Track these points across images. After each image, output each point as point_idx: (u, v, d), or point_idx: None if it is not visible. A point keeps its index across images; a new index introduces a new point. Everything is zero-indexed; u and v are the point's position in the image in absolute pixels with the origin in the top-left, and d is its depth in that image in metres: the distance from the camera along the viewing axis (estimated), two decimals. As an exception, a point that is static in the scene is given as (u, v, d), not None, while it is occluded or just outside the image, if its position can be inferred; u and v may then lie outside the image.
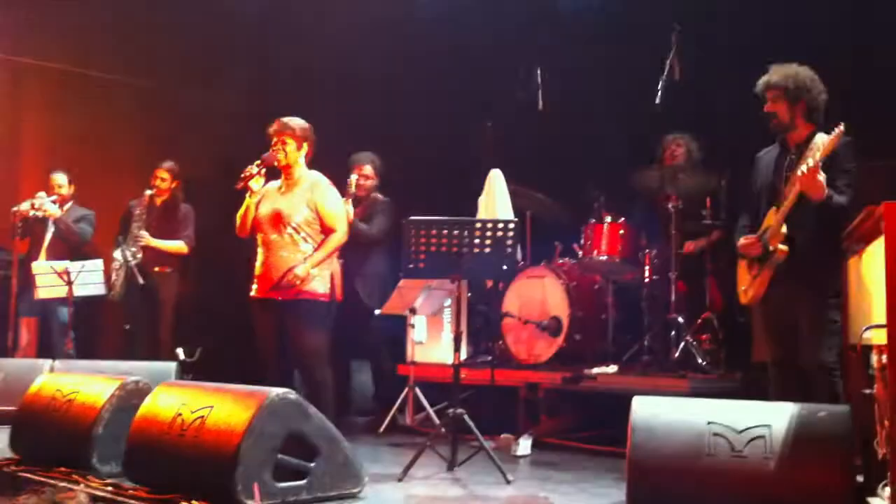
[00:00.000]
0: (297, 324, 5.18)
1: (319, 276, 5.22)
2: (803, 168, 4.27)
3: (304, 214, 5.22)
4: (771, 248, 4.48)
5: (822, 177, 4.23)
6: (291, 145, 5.29)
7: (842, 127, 4.16)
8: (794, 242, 4.44)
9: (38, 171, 8.14)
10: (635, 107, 6.36)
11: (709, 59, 6.77)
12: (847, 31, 6.20)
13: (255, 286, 5.31)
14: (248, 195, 5.28)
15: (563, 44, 7.58)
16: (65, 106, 8.39)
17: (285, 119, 5.33)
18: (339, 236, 5.30)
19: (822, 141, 4.34)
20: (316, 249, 5.22)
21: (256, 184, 5.25)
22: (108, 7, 8.33)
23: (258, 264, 5.31)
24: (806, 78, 4.54)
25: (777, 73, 4.60)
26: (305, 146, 5.35)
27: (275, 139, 5.30)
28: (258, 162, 5.24)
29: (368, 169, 6.91)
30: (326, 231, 5.26)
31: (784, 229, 4.45)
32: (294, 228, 5.21)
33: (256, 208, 5.30)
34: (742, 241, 4.70)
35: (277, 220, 5.23)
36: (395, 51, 8.62)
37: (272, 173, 5.41)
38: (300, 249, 5.20)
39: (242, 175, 5.21)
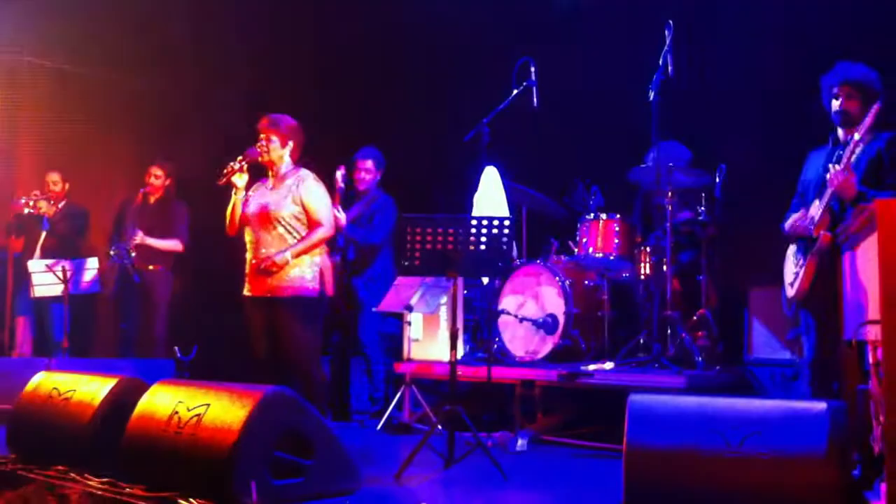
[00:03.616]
0: (286, 320, 5.17)
1: (307, 271, 5.21)
2: (836, 167, 4.34)
3: (290, 210, 5.21)
4: (815, 234, 4.54)
5: (854, 178, 4.32)
6: (275, 143, 5.30)
7: (876, 106, 4.22)
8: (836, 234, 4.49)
9: (33, 170, 8.14)
10: (631, 103, 6.36)
11: (704, 54, 6.79)
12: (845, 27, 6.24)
13: (246, 285, 5.31)
14: (233, 192, 5.27)
15: (557, 40, 7.59)
16: (60, 104, 8.38)
17: (273, 116, 5.34)
18: (324, 231, 5.27)
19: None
20: (299, 242, 5.21)
21: (240, 180, 5.23)
22: (102, 6, 8.32)
23: (248, 262, 5.31)
24: (877, 79, 4.61)
25: (859, 71, 4.63)
26: (291, 144, 5.35)
27: (261, 135, 5.31)
28: (240, 158, 5.23)
29: (370, 163, 6.91)
30: (312, 225, 5.25)
31: (826, 218, 4.52)
32: (281, 224, 5.20)
33: (245, 206, 5.30)
34: (791, 220, 4.75)
35: (265, 216, 5.21)
36: (391, 48, 8.63)
37: (259, 170, 5.40)
38: (288, 245, 5.20)
39: (224, 171, 5.19)
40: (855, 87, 4.60)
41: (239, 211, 5.30)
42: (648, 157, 6.27)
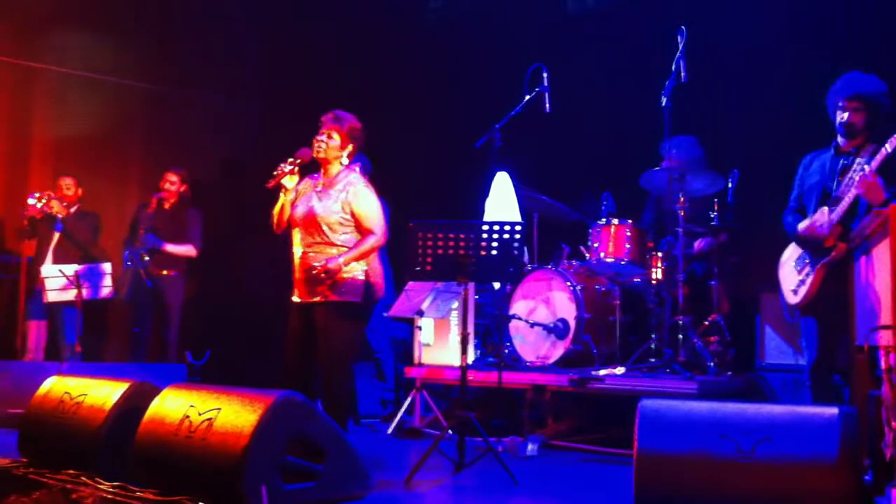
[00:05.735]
0: (329, 323, 4.99)
1: (352, 278, 5.02)
2: (865, 172, 4.37)
3: (338, 215, 5.02)
4: (828, 245, 4.57)
5: (881, 183, 4.34)
6: (335, 141, 5.11)
7: None
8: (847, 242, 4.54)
9: (46, 175, 8.18)
10: (643, 108, 6.36)
11: (716, 60, 6.78)
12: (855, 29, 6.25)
13: (294, 289, 5.13)
14: (282, 193, 5.09)
15: (570, 45, 7.60)
16: (73, 110, 8.42)
17: (339, 112, 5.15)
18: (376, 239, 5.07)
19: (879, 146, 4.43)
20: (351, 249, 5.02)
21: (290, 181, 5.05)
22: (115, 11, 8.37)
23: (295, 267, 5.13)
24: (886, 93, 4.65)
25: (867, 85, 4.66)
26: (350, 147, 5.16)
27: (322, 129, 5.12)
28: (291, 160, 5.03)
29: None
30: (363, 232, 5.06)
31: (839, 228, 4.57)
32: (329, 229, 5.02)
33: (293, 207, 5.13)
34: (806, 222, 4.76)
35: (312, 221, 5.04)
36: (402, 53, 8.65)
37: (306, 169, 5.21)
38: (335, 251, 5.01)
39: (274, 173, 5.00)
40: (863, 101, 4.66)
41: (287, 212, 5.12)
42: (663, 149, 6.23)
